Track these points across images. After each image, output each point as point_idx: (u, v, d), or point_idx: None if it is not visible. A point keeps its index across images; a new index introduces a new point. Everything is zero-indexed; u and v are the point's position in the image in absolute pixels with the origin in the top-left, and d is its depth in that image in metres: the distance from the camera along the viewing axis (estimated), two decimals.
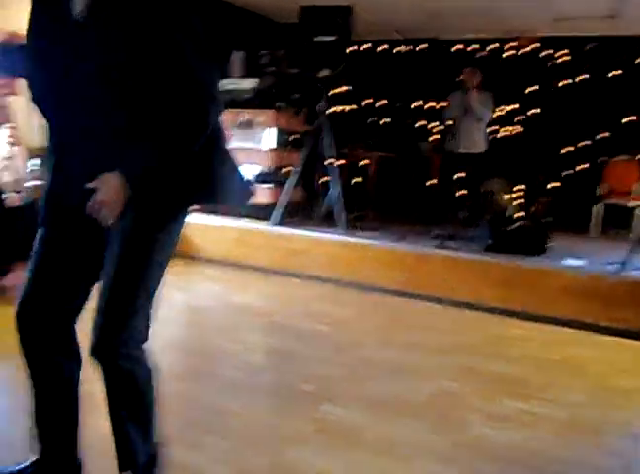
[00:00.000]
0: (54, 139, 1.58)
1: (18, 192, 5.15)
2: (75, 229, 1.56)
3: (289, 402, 2.57)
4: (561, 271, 4.20)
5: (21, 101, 6.14)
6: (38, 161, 5.65)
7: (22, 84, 6.17)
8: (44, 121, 1.58)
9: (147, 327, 1.57)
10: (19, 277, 4.51)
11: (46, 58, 1.48)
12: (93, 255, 1.57)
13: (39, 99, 1.55)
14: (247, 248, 5.27)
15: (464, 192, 5.80)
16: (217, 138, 1.57)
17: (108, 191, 1.39)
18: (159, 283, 1.57)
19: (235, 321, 3.78)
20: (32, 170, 5.62)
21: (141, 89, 1.41)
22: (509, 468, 2.12)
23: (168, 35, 1.38)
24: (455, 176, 5.66)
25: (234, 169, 1.66)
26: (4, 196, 4.56)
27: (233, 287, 4.71)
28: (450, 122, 5.88)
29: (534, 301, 4.11)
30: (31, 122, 6.25)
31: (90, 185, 1.39)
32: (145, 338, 1.57)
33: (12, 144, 5.23)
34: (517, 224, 4.91)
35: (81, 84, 1.43)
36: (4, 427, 2.22)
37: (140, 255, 1.50)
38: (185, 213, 1.60)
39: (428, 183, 6.90)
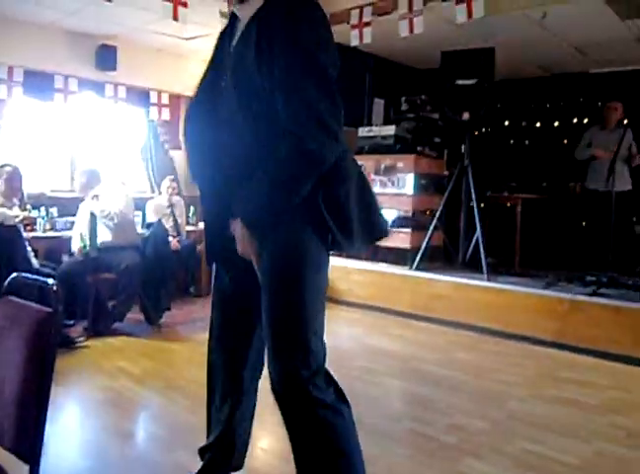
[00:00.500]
0: (203, 188, 1.71)
1: (178, 236, 5.66)
2: (239, 267, 1.64)
3: (430, 453, 2.47)
4: None
5: (182, 155, 6.81)
6: (193, 209, 6.19)
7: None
8: (192, 173, 1.74)
9: (320, 363, 1.53)
10: (175, 316, 4.89)
11: (200, 115, 1.66)
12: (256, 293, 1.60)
13: (191, 151, 1.72)
14: (388, 292, 5.26)
15: (617, 233, 5.34)
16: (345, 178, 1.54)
17: (239, 241, 1.51)
18: (316, 318, 1.52)
19: (375, 365, 3.76)
20: (190, 217, 6.16)
21: (271, 128, 1.46)
22: None
23: (290, 70, 1.41)
24: (611, 216, 5.21)
25: (366, 208, 1.60)
26: (169, 239, 5.01)
27: (373, 331, 4.71)
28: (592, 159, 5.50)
29: None
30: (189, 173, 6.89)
31: (231, 232, 1.53)
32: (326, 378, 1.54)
33: (172, 194, 5.80)
34: None
35: (226, 114, 1.56)
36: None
37: (284, 292, 1.50)
38: (320, 248, 1.55)
39: (577, 224, 6.43)
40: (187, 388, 3.23)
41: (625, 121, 5.40)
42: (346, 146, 1.52)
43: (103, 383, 3.28)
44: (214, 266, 1.84)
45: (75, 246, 4.39)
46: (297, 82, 1.40)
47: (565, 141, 6.93)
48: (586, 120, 6.42)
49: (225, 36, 1.64)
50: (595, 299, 4.28)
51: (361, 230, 1.57)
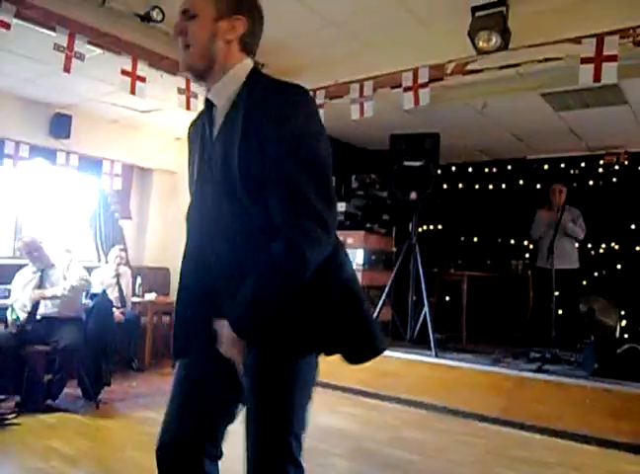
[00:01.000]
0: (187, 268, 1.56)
1: (122, 307, 5.50)
2: (209, 358, 1.51)
3: None
4: None
5: (132, 224, 6.76)
6: (141, 280, 6.06)
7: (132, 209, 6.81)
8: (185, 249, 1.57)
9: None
10: (115, 392, 4.66)
11: (198, 192, 1.52)
12: (229, 385, 1.51)
13: (190, 226, 1.57)
14: (335, 368, 5.18)
15: (561, 310, 5.53)
16: (335, 274, 1.44)
17: (224, 343, 1.43)
18: (302, 425, 1.46)
19: (325, 445, 3.64)
20: (137, 288, 6.02)
21: (260, 218, 1.37)
22: None
23: (284, 164, 1.32)
24: (553, 294, 5.42)
25: (356, 312, 1.48)
26: (113, 310, 4.86)
27: (322, 408, 4.60)
28: (538, 239, 5.77)
29: None
30: (140, 243, 6.81)
31: (214, 328, 1.46)
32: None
33: (120, 264, 5.69)
34: (626, 346, 4.54)
35: (213, 210, 1.45)
36: None
37: (270, 401, 1.41)
38: (311, 355, 1.50)
39: (522, 302, 6.65)
40: (121, 471, 3.04)
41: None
42: (333, 239, 1.42)
43: (32, 464, 3.04)
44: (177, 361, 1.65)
45: (9, 316, 4.20)
46: (293, 176, 1.31)
47: (506, 222, 7.27)
48: (526, 203, 6.76)
49: (203, 123, 1.51)
50: (539, 376, 4.36)
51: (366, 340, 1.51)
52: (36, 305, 4.18)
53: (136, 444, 3.50)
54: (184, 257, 1.55)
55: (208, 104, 1.49)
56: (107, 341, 4.41)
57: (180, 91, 4.59)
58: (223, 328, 1.42)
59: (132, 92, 4.22)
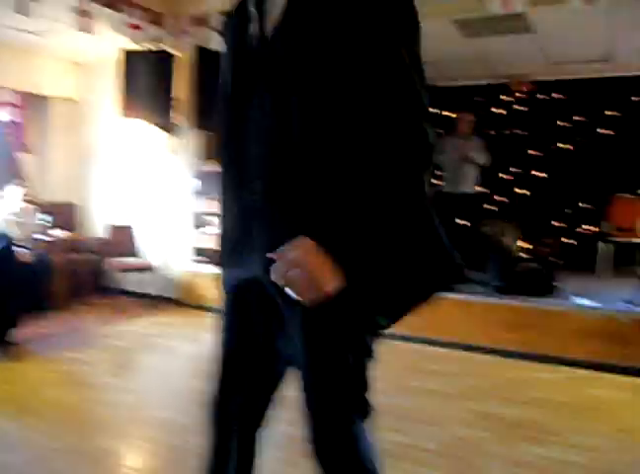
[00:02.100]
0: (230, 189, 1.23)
1: (27, 247, 5.21)
2: (257, 309, 1.23)
3: (303, 453, 2.51)
4: (572, 310, 4.17)
5: (32, 157, 6.31)
6: (46, 216, 5.75)
7: (35, 142, 6.34)
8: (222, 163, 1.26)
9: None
10: (24, 333, 4.51)
11: (232, 95, 1.21)
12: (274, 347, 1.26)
13: (224, 138, 1.25)
14: None
15: (463, 233, 5.85)
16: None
17: (303, 253, 1.00)
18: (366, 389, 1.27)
19: None
20: (41, 225, 5.70)
21: (344, 123, 1.05)
22: None
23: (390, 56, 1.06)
24: (456, 218, 5.70)
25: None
26: (15, 250, 4.60)
27: None
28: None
29: (547, 342, 4.07)
30: (42, 178, 6.40)
31: (272, 255, 1.03)
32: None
33: (23, 200, 5.33)
34: (524, 265, 4.91)
35: (264, 117, 1.13)
36: None
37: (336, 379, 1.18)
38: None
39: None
40: (42, 410, 2.99)
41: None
42: None
43: None
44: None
45: None
46: (402, 67, 1.06)
47: None
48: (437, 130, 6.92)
49: (234, 32, 1.22)
50: (450, 295, 4.63)
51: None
52: None
53: (53, 383, 3.44)
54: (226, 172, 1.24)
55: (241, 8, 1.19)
56: (11, 280, 4.19)
57: (74, 10, 4.21)
58: (305, 241, 1.01)
59: (22, 12, 3.83)
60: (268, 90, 1.11)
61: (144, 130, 5.72)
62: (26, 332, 4.42)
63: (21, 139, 6.19)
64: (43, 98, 6.32)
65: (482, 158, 5.80)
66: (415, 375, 3.76)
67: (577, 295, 4.42)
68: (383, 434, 2.71)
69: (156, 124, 5.42)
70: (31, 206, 5.41)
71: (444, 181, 5.91)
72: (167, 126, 5.42)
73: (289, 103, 1.07)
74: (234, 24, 1.22)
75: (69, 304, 5.61)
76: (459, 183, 5.62)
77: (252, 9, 1.16)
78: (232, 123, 1.21)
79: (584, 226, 6.81)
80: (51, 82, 6.17)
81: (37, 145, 6.41)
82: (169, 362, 3.97)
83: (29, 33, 5.21)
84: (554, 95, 6.96)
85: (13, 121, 5.96)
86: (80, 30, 4.22)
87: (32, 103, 6.30)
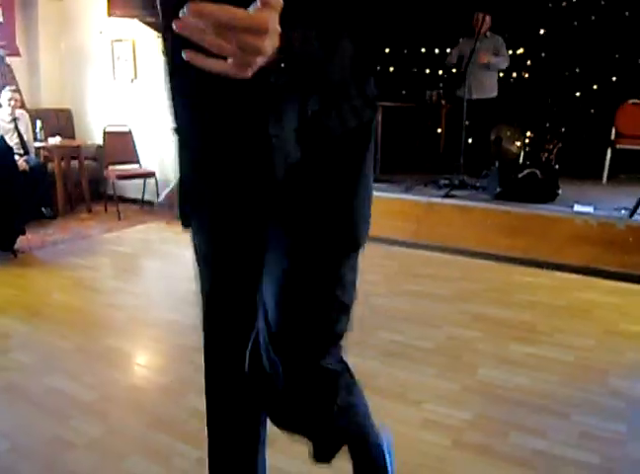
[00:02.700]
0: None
1: (25, 154, 5.18)
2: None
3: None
4: (570, 217, 4.19)
5: (22, 62, 6.10)
6: (40, 124, 5.65)
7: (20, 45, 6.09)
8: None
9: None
10: (30, 240, 4.58)
11: None
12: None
13: None
14: None
15: (471, 139, 5.76)
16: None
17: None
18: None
19: None
20: (37, 131, 5.62)
21: None
22: (517, 409, 2.19)
23: None
24: (464, 123, 5.58)
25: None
26: (16, 158, 4.56)
27: None
28: (454, 69, 5.79)
29: (543, 248, 4.13)
30: (33, 83, 6.23)
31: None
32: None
33: (15, 107, 5.22)
34: (526, 171, 4.87)
35: None
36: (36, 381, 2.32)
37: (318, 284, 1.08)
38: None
39: (435, 131, 6.85)
40: (51, 314, 3.11)
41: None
42: None
43: None
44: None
45: None
46: None
47: (423, 50, 7.15)
48: (446, 29, 6.60)
49: None
50: (446, 201, 4.66)
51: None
52: None
53: (61, 288, 3.55)
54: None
55: None
56: (12, 189, 4.20)
57: None
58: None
59: None
60: None
61: (135, 30, 5.49)
62: (31, 239, 4.50)
63: (11, 42, 5.95)
64: None
65: (503, 62, 5.58)
66: (411, 279, 3.85)
67: (579, 203, 4.42)
68: (381, 333, 2.85)
69: (146, 23, 5.17)
70: (25, 113, 5.31)
71: (462, 85, 5.69)
72: (158, 25, 5.18)
73: None
74: None
75: (70, 212, 5.66)
76: (475, 88, 5.41)
77: None
78: None
79: (590, 132, 6.67)
80: None
81: (25, 48, 6.17)
82: (171, 267, 4.06)
83: None
84: None
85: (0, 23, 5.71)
86: None
87: (17, 2, 6.00)
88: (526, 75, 6.86)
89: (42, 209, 5.40)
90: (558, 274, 3.97)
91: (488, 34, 5.53)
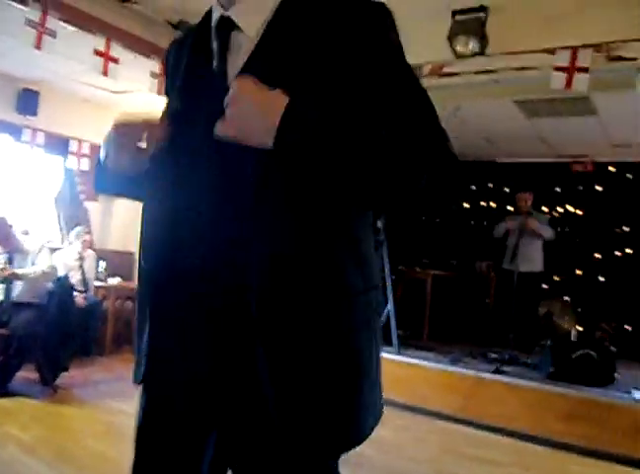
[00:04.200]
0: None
1: (85, 292, 5.40)
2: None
3: None
4: (631, 406, 3.92)
5: (98, 206, 6.63)
6: (104, 264, 5.96)
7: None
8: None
9: None
10: (73, 377, 4.58)
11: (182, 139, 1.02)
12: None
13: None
14: None
15: (520, 312, 5.68)
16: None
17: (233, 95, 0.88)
18: None
19: None
20: (99, 271, 5.92)
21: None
22: None
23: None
24: (514, 296, 5.54)
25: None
26: (74, 295, 4.76)
27: None
28: (505, 242, 5.91)
29: (602, 437, 3.82)
30: (105, 226, 6.69)
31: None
32: None
33: (85, 246, 5.57)
34: (580, 352, 4.69)
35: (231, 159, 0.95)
36: None
37: None
38: None
39: (484, 302, 6.80)
40: (81, 462, 3.00)
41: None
42: None
43: None
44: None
45: None
46: (414, 87, 0.99)
47: (472, 223, 7.39)
48: (493, 205, 6.90)
49: (195, 55, 1.04)
50: (496, 377, 4.47)
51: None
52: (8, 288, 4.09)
53: (96, 433, 3.46)
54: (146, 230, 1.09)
55: (223, 24, 0.99)
56: (67, 326, 4.33)
57: (152, 75, 4.51)
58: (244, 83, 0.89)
59: (105, 73, 4.13)
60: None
61: None
62: (74, 375, 4.52)
63: (92, 189, 6.52)
64: None
65: (548, 232, 5.69)
66: (456, 460, 3.58)
67: (638, 389, 4.16)
68: None
69: None
70: (92, 253, 5.65)
71: (505, 257, 5.79)
72: None
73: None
74: (189, 59, 1.06)
75: (116, 352, 5.72)
76: (522, 261, 5.47)
77: (215, 43, 1.00)
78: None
79: None
80: None
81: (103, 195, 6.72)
82: None
83: (111, 92, 5.59)
84: (615, 176, 6.83)
85: (85, 172, 6.31)
86: (157, 93, 4.51)
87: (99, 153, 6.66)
88: (574, 253, 6.90)
89: (90, 347, 5.48)
90: (617, 467, 3.62)
91: (532, 210, 5.72)
